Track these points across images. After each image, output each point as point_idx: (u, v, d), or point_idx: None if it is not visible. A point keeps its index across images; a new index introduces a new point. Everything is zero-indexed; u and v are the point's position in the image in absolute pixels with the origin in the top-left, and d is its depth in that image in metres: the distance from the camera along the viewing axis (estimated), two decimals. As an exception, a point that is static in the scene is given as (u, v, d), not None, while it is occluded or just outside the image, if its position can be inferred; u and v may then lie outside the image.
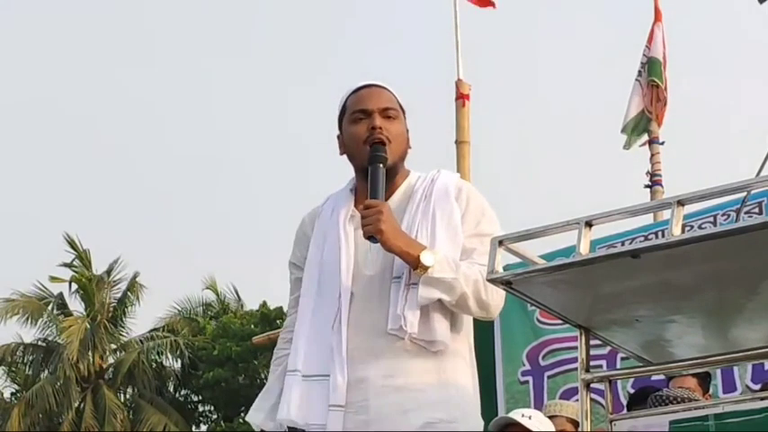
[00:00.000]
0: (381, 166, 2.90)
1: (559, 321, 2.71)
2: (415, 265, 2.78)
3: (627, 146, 9.01)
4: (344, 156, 3.05)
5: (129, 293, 28.24)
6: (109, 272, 28.14)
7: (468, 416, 2.86)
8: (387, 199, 2.93)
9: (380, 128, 2.94)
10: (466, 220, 2.93)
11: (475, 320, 3.03)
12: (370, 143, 2.93)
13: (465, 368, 2.90)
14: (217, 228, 38.98)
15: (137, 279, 28.14)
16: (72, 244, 27.95)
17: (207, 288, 28.83)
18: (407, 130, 3.05)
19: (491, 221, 2.95)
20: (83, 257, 28.09)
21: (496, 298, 2.85)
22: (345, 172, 3.11)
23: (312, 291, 2.94)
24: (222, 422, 28.47)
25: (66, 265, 27.95)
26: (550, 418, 4.87)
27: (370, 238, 2.81)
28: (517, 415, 4.59)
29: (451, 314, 2.87)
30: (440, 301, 2.80)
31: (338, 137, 3.06)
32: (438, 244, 2.85)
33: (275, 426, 2.89)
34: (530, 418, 4.54)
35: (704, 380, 4.85)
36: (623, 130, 8.92)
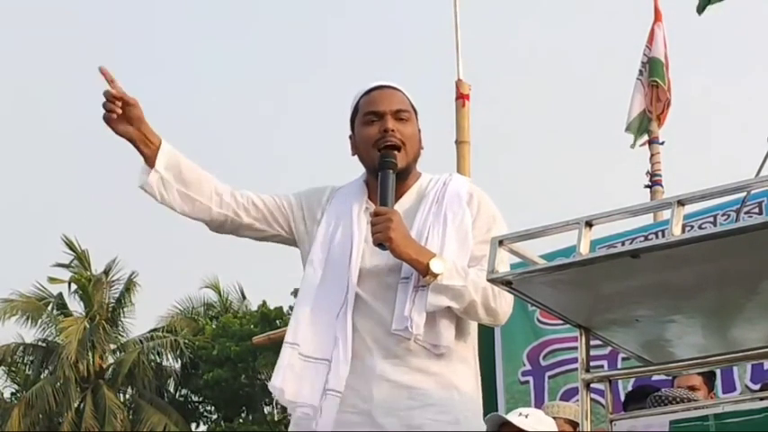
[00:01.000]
0: (391, 172, 2.90)
1: (560, 321, 2.71)
2: (425, 272, 2.78)
3: (633, 145, 8.98)
4: (356, 156, 3.04)
5: (127, 293, 28.23)
6: (107, 272, 28.11)
7: (470, 419, 2.86)
8: (398, 200, 2.93)
9: (393, 130, 2.93)
10: (476, 226, 2.93)
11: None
12: (382, 146, 2.93)
13: (469, 373, 2.91)
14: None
15: (133, 279, 28.14)
16: (70, 245, 27.93)
17: (207, 287, 28.83)
18: (419, 131, 3.04)
19: (501, 228, 2.93)
20: (82, 258, 28.08)
21: (504, 305, 2.86)
22: (346, 170, 3.12)
23: (317, 274, 2.92)
24: (222, 422, 28.48)
25: (61, 265, 27.93)
26: (549, 419, 4.84)
27: (380, 245, 2.82)
28: (513, 415, 4.55)
29: (458, 319, 2.87)
30: (448, 308, 2.81)
31: (350, 137, 3.06)
32: (448, 248, 2.85)
33: None
34: (526, 416, 4.49)
35: (709, 378, 4.85)
36: (628, 129, 8.88)
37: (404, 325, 2.78)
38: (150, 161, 2.90)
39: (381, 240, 2.80)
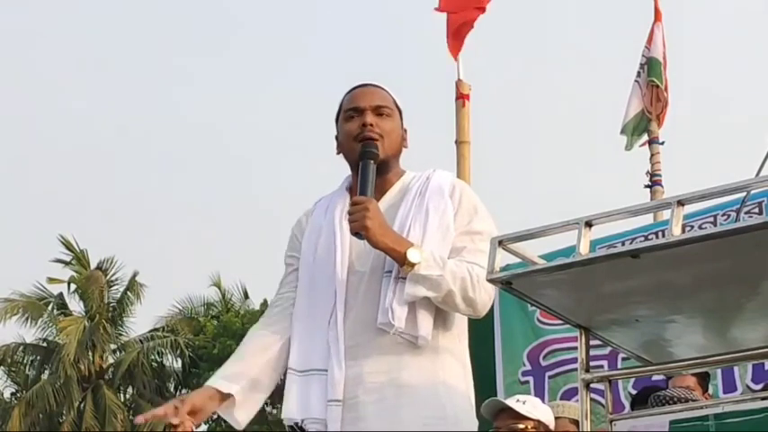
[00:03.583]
0: (372, 162, 2.93)
1: (560, 321, 2.71)
2: (402, 261, 2.79)
3: (628, 147, 8.98)
4: (341, 155, 3.07)
5: (128, 293, 28.23)
6: (103, 270, 28.05)
7: (459, 414, 2.86)
8: (381, 196, 2.95)
9: (371, 124, 2.97)
10: (458, 218, 2.94)
11: (475, 320, 3.03)
12: (360, 140, 2.96)
13: (456, 366, 2.91)
14: (218, 227, 39.03)
15: (136, 278, 28.13)
16: (68, 245, 27.91)
17: (213, 285, 28.79)
18: (405, 130, 3.07)
19: (483, 220, 2.96)
20: (80, 258, 28.08)
21: (484, 296, 2.85)
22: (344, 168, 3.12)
23: (305, 286, 2.96)
24: (222, 422, 28.41)
25: (60, 261, 27.93)
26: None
27: (357, 234, 2.83)
28: (511, 401, 4.57)
29: (440, 311, 2.87)
30: (426, 298, 2.81)
31: (336, 137, 3.09)
32: (429, 239, 2.86)
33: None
34: (524, 402, 4.52)
35: (704, 378, 4.86)
36: (622, 132, 8.89)
37: (387, 318, 2.79)
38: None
39: (357, 229, 2.81)
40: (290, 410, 2.85)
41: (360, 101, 3.02)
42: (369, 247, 2.86)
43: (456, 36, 7.80)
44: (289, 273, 3.08)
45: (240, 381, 2.91)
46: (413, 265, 2.77)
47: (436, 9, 7.66)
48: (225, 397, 2.91)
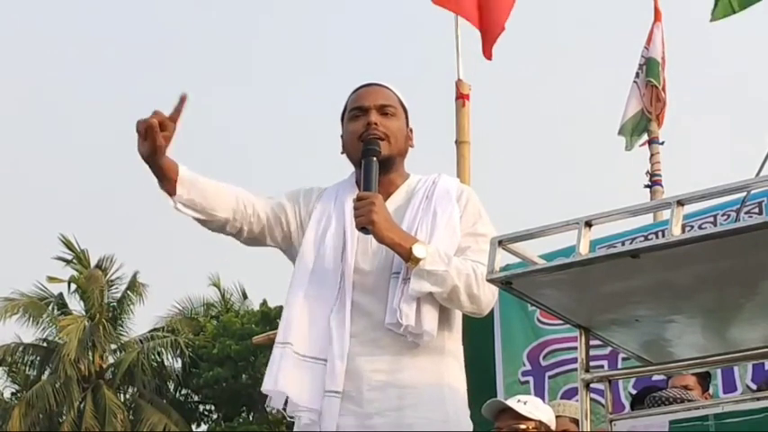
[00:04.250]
0: (374, 159, 2.94)
1: (560, 321, 2.71)
2: (407, 257, 2.80)
3: (628, 147, 8.97)
4: (345, 154, 3.08)
5: (129, 293, 28.23)
6: (103, 269, 28.04)
7: (460, 416, 2.88)
8: (387, 198, 2.96)
9: (376, 123, 2.98)
10: (463, 221, 2.97)
11: (474, 320, 3.02)
12: (364, 139, 2.96)
13: (457, 368, 2.93)
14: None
15: (137, 278, 28.14)
16: (68, 245, 27.92)
17: (212, 285, 28.80)
18: (410, 129, 3.09)
19: (486, 224, 2.99)
20: (81, 258, 28.08)
21: (488, 294, 2.87)
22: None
23: (307, 272, 2.93)
24: (222, 421, 28.48)
25: (61, 259, 27.95)
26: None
27: (363, 229, 2.83)
28: (512, 401, 4.58)
29: (444, 311, 2.88)
30: (431, 295, 2.81)
31: (341, 136, 3.09)
32: (436, 239, 2.88)
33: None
34: (525, 403, 4.53)
35: (704, 378, 4.84)
36: (620, 132, 8.88)
37: (395, 318, 2.79)
38: (168, 189, 2.89)
39: (364, 224, 2.81)
40: (279, 384, 2.80)
41: (364, 100, 3.03)
42: (375, 245, 2.86)
43: (489, 39, 7.78)
44: (276, 198, 3.05)
45: (199, 177, 2.91)
46: (418, 260, 2.78)
47: (433, 2, 7.66)
48: (173, 175, 2.87)
